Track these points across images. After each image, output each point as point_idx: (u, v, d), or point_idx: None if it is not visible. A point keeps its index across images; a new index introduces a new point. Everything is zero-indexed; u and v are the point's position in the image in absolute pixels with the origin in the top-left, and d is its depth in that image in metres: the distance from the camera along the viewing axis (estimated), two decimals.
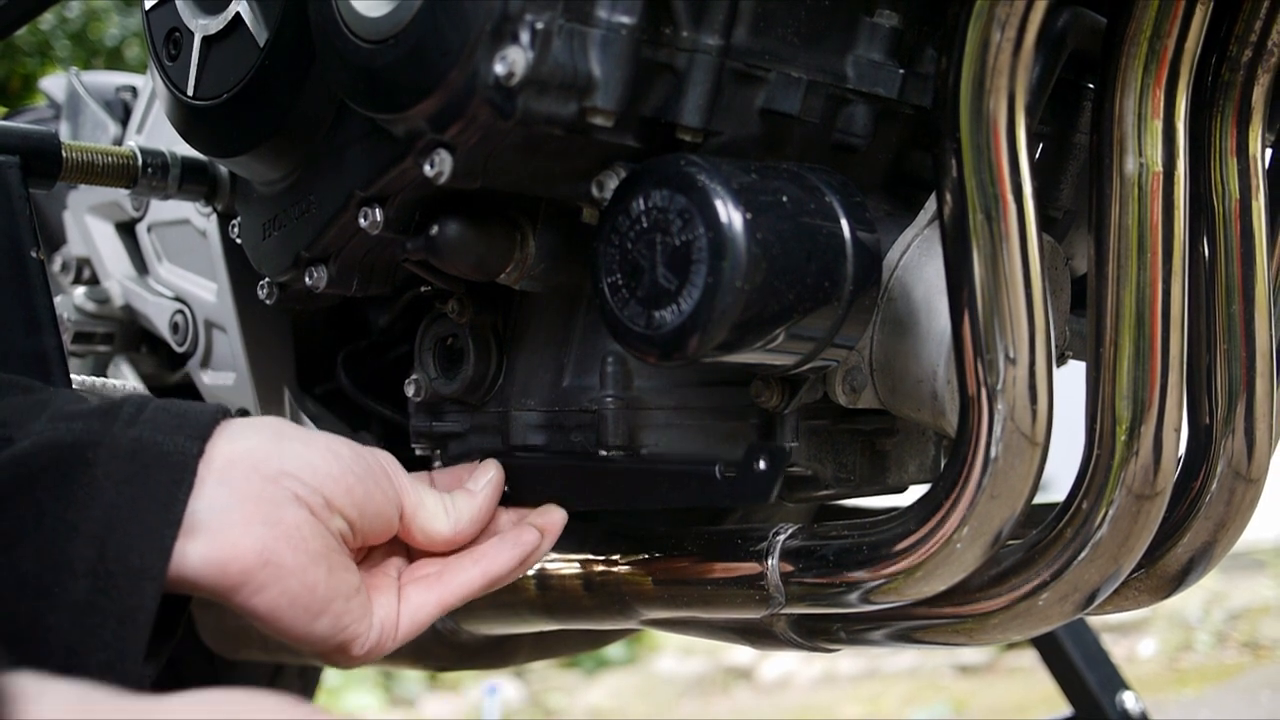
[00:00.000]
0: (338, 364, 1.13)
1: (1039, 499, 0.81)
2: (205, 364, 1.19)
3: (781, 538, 0.86)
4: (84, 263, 1.33)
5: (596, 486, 0.84)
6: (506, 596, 0.86)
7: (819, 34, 0.81)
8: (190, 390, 1.22)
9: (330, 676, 4.29)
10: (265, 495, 0.71)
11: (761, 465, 0.77)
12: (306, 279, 0.93)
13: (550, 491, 0.86)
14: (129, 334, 1.29)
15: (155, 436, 0.70)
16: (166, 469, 0.69)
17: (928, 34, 0.85)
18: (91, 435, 0.69)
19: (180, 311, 1.20)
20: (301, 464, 0.73)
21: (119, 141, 1.31)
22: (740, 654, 5.19)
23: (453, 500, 0.83)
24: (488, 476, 0.85)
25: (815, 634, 0.94)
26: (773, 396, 0.87)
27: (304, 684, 1.71)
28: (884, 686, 5.06)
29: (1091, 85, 0.94)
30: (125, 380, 1.23)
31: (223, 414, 0.74)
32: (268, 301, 1.00)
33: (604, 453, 0.88)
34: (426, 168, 0.76)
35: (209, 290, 1.17)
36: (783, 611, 0.87)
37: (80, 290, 1.29)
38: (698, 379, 0.91)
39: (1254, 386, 0.88)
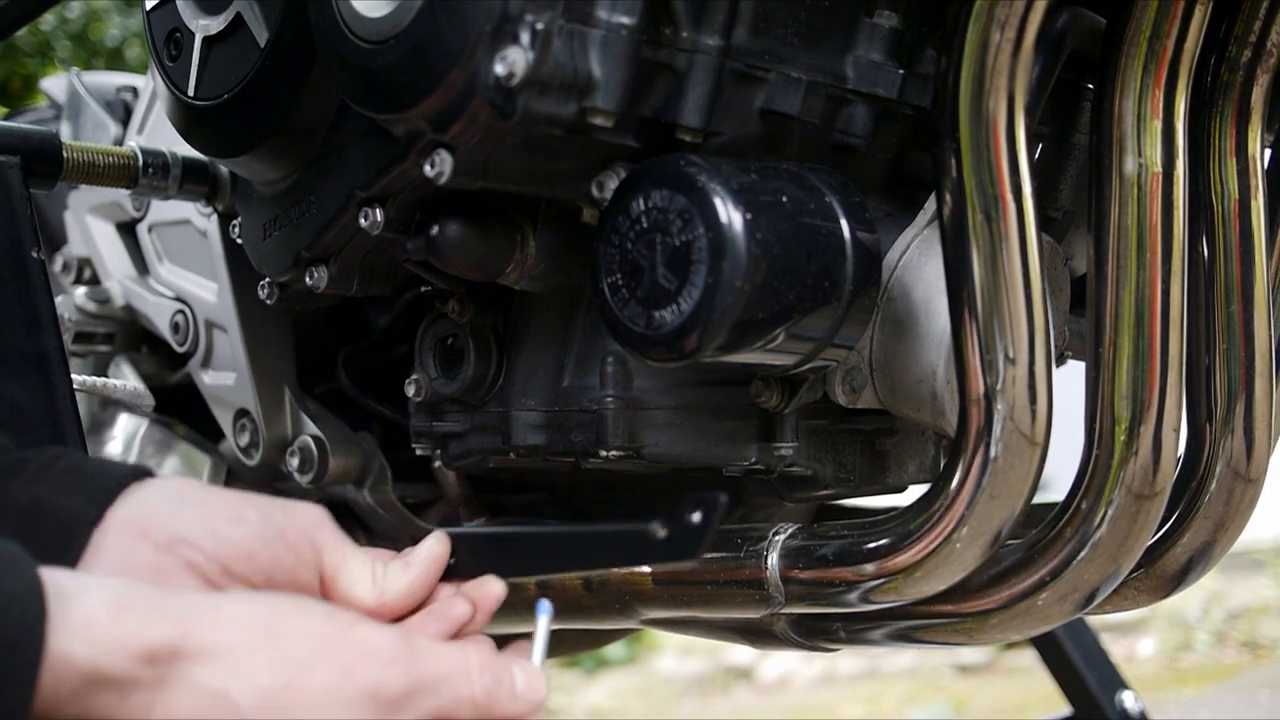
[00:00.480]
0: (338, 364, 1.13)
1: (1039, 499, 0.82)
2: (206, 364, 1.19)
3: (781, 537, 0.86)
4: (85, 263, 1.33)
5: (533, 557, 0.79)
6: (507, 596, 0.85)
7: (819, 34, 0.81)
8: (191, 390, 1.22)
9: None
10: (153, 565, 0.66)
11: (695, 518, 0.68)
12: (307, 279, 0.93)
13: (492, 566, 0.79)
14: (129, 334, 1.29)
15: (54, 497, 0.66)
16: (59, 533, 0.65)
17: (927, 34, 0.85)
18: None
19: (181, 311, 1.20)
20: (198, 530, 0.68)
21: (120, 142, 1.31)
22: (740, 654, 5.18)
23: (384, 569, 0.75)
24: (427, 549, 0.77)
25: (815, 633, 0.95)
26: (773, 396, 0.87)
27: None
28: (884, 686, 5.06)
29: (1091, 85, 0.94)
30: (126, 380, 1.23)
31: (133, 476, 0.70)
32: (268, 302, 1.00)
33: (605, 456, 0.88)
34: (427, 168, 0.77)
35: (209, 290, 1.17)
36: (782, 611, 0.87)
37: (81, 290, 1.29)
38: (698, 379, 0.91)
39: (1253, 386, 0.88)
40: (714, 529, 0.68)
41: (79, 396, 0.95)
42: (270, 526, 0.70)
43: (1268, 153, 0.92)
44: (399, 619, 0.74)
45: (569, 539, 0.77)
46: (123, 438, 1.23)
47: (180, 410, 1.25)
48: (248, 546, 0.69)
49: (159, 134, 1.23)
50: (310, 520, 0.73)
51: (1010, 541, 0.82)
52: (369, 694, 0.62)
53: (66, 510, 0.66)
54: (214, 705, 0.57)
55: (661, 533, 0.70)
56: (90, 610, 0.56)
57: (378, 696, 0.62)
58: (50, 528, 0.65)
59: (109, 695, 0.55)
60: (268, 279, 0.98)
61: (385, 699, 0.63)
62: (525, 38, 0.70)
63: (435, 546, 0.77)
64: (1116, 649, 4.85)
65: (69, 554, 0.65)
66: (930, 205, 0.85)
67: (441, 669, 0.65)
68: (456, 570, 0.78)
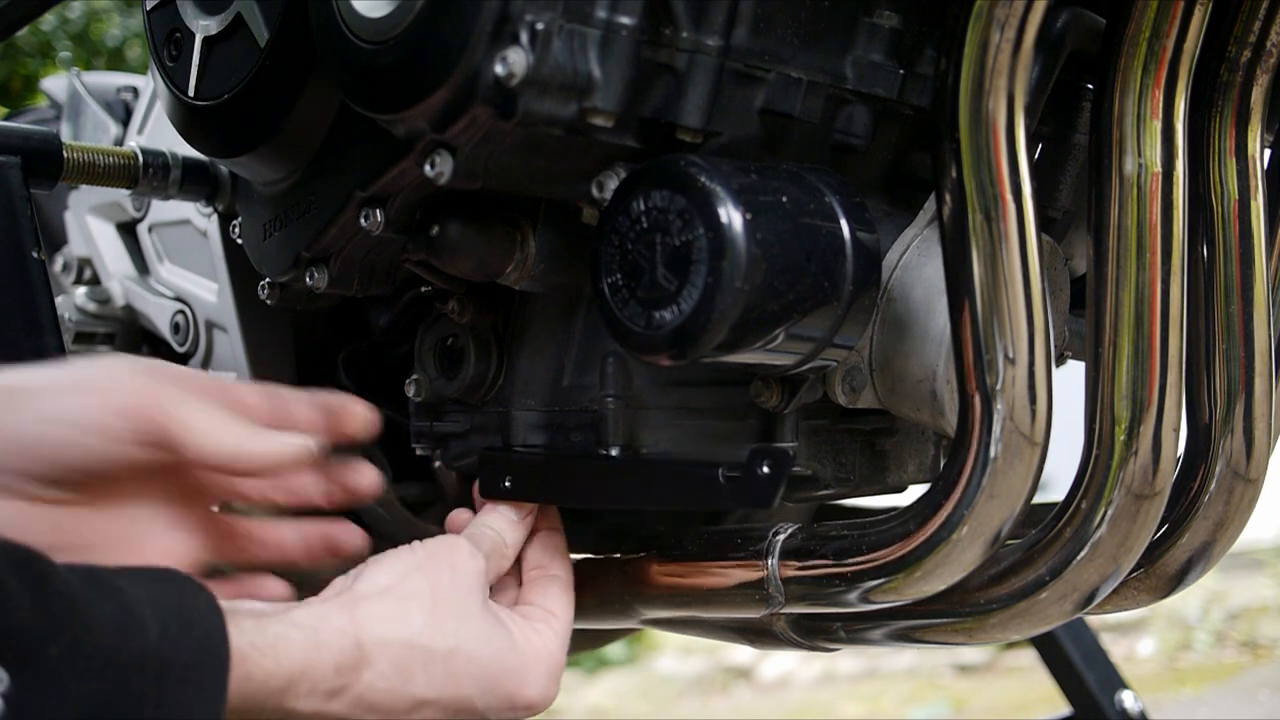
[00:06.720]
0: (338, 364, 1.13)
1: (1038, 498, 0.82)
2: (206, 364, 1.19)
3: (781, 537, 0.86)
4: (85, 263, 1.33)
5: (597, 486, 0.84)
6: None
7: (819, 34, 0.81)
8: None
9: None
10: None
11: (765, 469, 0.77)
12: (307, 279, 0.93)
13: (551, 490, 0.86)
14: (130, 334, 1.29)
15: None
16: None
17: (927, 34, 0.85)
18: None
19: (181, 312, 1.20)
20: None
21: (120, 142, 1.31)
22: (740, 653, 5.19)
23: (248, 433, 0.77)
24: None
25: (815, 633, 0.95)
26: (773, 396, 0.87)
27: None
28: (883, 686, 5.06)
29: (1091, 85, 0.94)
30: None
31: None
32: (268, 302, 1.00)
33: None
34: (427, 168, 0.77)
35: (210, 290, 1.17)
36: (782, 611, 0.87)
37: (81, 290, 1.29)
38: (698, 379, 0.91)
39: (1253, 386, 0.89)
40: (786, 477, 0.76)
41: None
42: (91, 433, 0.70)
43: (1268, 153, 0.91)
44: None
45: (635, 469, 0.80)
46: None
47: None
48: (64, 459, 0.70)
49: (159, 134, 1.23)
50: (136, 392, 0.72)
51: (1010, 541, 0.82)
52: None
53: None
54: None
55: (732, 477, 0.77)
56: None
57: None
58: None
59: None
60: (268, 279, 0.98)
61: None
62: (525, 38, 0.70)
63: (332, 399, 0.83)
64: (1116, 649, 4.86)
65: None
66: (930, 205, 0.86)
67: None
68: (512, 491, 0.82)
